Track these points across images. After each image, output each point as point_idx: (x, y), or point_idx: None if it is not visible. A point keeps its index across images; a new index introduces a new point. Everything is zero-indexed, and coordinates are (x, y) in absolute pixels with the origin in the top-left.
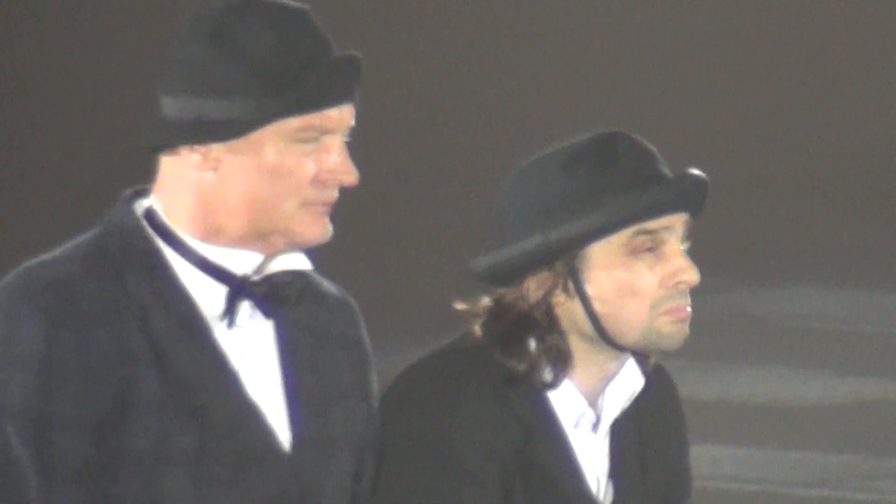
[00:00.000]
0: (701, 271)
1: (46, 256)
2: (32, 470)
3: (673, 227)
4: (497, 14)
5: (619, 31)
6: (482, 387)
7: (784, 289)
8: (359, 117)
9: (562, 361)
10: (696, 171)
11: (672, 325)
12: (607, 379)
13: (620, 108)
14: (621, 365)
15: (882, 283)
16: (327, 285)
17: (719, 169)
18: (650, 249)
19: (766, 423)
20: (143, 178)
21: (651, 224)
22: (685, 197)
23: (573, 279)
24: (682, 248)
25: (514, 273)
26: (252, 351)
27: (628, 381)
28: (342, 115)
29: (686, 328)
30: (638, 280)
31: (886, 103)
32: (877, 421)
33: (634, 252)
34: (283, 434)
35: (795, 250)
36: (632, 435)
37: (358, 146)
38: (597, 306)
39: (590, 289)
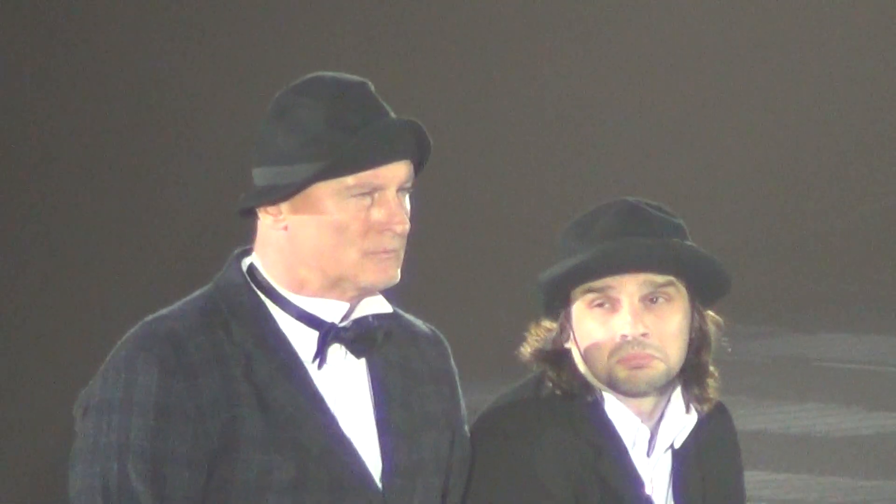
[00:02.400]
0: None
1: (164, 311)
2: (150, 502)
3: (621, 287)
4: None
5: (655, 103)
6: (556, 415)
7: (819, 335)
8: (451, 169)
9: (578, 389)
10: (639, 239)
11: (626, 371)
12: (657, 407)
13: (662, 173)
14: (657, 399)
15: None
16: (420, 325)
17: (763, 232)
18: (601, 305)
19: (802, 452)
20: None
21: (597, 283)
22: (618, 261)
23: (570, 326)
24: (632, 304)
25: (540, 310)
26: (346, 389)
27: (680, 417)
28: (394, 172)
29: (642, 374)
30: (594, 331)
31: None
32: None
33: (590, 306)
34: (374, 463)
35: (830, 302)
36: (693, 463)
37: (453, 195)
38: (581, 351)
39: (576, 337)
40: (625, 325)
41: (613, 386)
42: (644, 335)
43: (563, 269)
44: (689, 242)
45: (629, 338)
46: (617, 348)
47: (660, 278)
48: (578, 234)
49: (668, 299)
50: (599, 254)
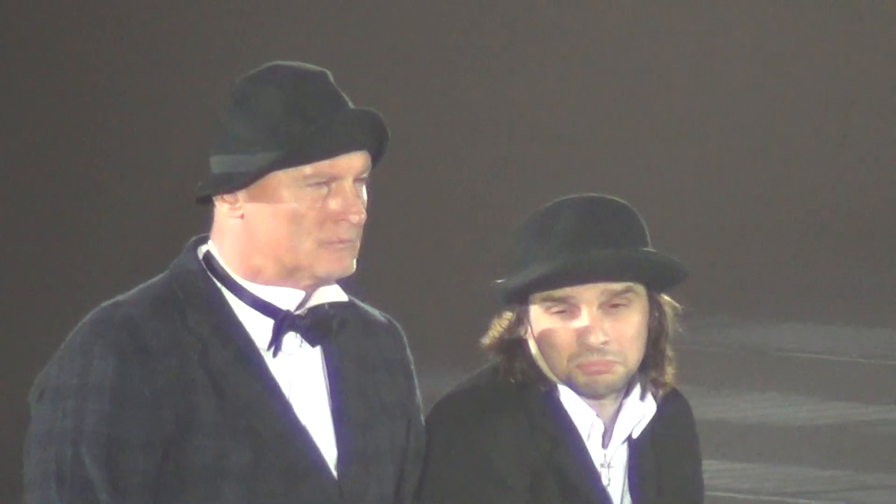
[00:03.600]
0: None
1: (120, 297)
2: (104, 488)
3: (580, 296)
4: (515, 74)
5: (623, 93)
6: (512, 405)
7: (777, 324)
8: (411, 160)
9: (533, 380)
10: (598, 252)
11: (585, 376)
12: (615, 399)
13: (626, 164)
14: (616, 393)
15: (860, 319)
16: (376, 314)
17: (721, 222)
18: (562, 312)
19: (759, 441)
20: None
21: (557, 292)
22: (578, 273)
23: (528, 322)
24: (591, 312)
25: (501, 303)
26: (301, 376)
27: (638, 407)
28: (351, 163)
29: (601, 379)
30: (553, 336)
31: (870, 161)
32: (856, 440)
33: (549, 312)
34: (329, 450)
35: (787, 291)
36: (649, 452)
37: (413, 185)
38: (539, 348)
39: (534, 334)
40: (585, 333)
41: (572, 387)
42: (605, 343)
43: (523, 281)
44: (647, 249)
45: (590, 346)
46: (577, 354)
47: (618, 286)
48: (537, 235)
49: (627, 303)
50: (559, 266)
